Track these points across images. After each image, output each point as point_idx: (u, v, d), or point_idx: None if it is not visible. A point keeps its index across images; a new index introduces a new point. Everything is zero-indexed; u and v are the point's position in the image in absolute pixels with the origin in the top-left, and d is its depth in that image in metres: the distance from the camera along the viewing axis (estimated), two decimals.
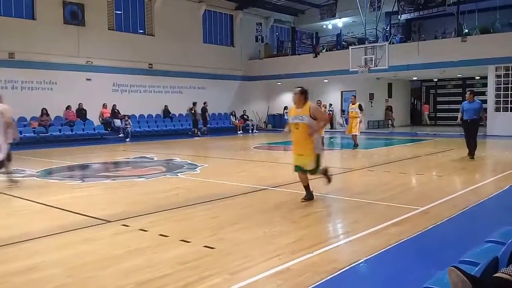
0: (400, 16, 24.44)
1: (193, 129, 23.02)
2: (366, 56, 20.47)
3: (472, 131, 11.23)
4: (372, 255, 4.11)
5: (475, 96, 11.54)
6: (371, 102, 26.15)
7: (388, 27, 25.25)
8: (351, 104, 15.20)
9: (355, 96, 14.85)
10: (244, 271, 3.78)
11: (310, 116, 6.32)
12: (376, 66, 20.19)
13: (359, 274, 3.86)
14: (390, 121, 27.69)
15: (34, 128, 18.22)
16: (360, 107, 14.99)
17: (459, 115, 11.53)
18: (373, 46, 20.74)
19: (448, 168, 10.12)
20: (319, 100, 15.13)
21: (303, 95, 6.54)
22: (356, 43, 24.26)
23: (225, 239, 4.75)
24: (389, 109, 27.72)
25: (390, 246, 4.36)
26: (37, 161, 12.37)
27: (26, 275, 3.77)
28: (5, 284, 3.57)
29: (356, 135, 14.83)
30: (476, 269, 2.08)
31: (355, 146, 14.73)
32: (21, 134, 17.54)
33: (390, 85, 27.82)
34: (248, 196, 7.15)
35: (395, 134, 22.83)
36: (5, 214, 6.10)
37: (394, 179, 8.75)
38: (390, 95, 27.98)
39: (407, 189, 7.94)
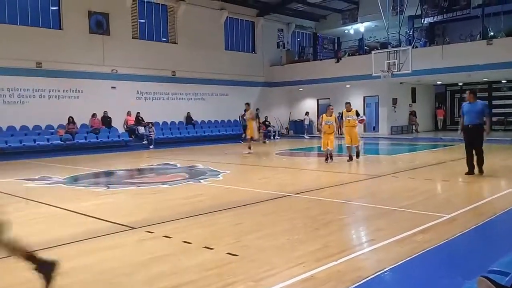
0: (424, 20, 24.09)
1: (244, 135, 23.25)
2: (389, 61, 20.28)
3: (475, 139, 9.00)
4: (397, 264, 4.05)
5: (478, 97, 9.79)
6: (395, 107, 25.85)
7: (411, 31, 24.93)
8: (345, 111, 12.78)
9: (349, 103, 12.83)
10: (268, 279, 3.78)
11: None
12: (399, 70, 19.97)
13: (384, 283, 3.81)
14: (414, 126, 27.29)
15: (61, 135, 18.65)
16: (357, 113, 12.89)
17: (460, 120, 9.59)
18: (396, 50, 20.53)
19: (475, 174, 9.90)
20: (331, 106, 13.59)
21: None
22: (379, 48, 24.06)
23: (248, 246, 4.75)
24: (413, 114, 27.33)
25: (415, 255, 4.29)
26: (63, 168, 12.64)
27: (57, 280, 3.84)
28: None
29: (358, 145, 13.19)
30: (507, 279, 2.03)
31: (358, 155, 13.03)
32: (48, 141, 18.07)
33: (413, 90, 27.44)
34: (271, 203, 7.14)
35: (419, 139, 22.48)
36: (34, 220, 6.25)
37: (419, 185, 8.61)
38: (413, 100, 27.58)
39: (433, 196, 7.80)
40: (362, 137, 24.19)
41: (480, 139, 9.04)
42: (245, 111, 17.18)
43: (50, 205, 7.20)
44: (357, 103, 26.42)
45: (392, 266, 3.98)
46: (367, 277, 3.73)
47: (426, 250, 4.43)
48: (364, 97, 26.51)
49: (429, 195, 7.68)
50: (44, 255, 4.57)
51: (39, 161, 14.62)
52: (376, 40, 27.90)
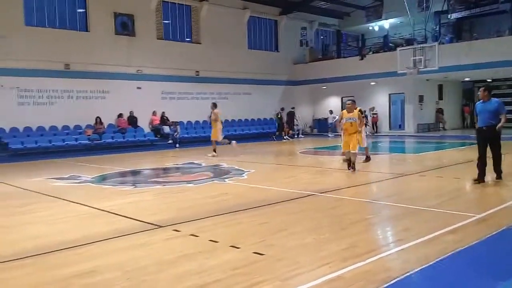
0: (450, 15, 23.63)
1: (277, 133, 24.03)
2: (415, 57, 19.95)
3: (491, 141, 8.03)
4: (427, 264, 3.98)
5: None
6: (421, 105, 25.39)
7: (438, 27, 24.45)
8: (345, 112, 10.73)
9: (353, 101, 10.86)
10: (294, 278, 3.77)
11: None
12: (426, 67, 19.64)
13: (414, 283, 3.75)
14: (441, 124, 26.76)
15: (89, 135, 19.04)
16: (360, 113, 10.97)
17: (475, 120, 8.58)
18: (422, 47, 20.20)
19: (505, 172, 9.63)
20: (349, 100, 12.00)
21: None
22: (404, 44, 23.66)
23: (274, 245, 4.75)
24: (439, 111, 26.79)
25: (446, 255, 4.21)
26: (91, 167, 12.90)
27: (85, 278, 3.93)
28: (69, 287, 3.75)
29: (367, 148, 12.11)
30: None
31: (367, 158, 11.95)
32: (76, 141, 18.47)
33: (440, 87, 26.89)
34: (296, 202, 7.12)
35: (447, 137, 22.03)
36: (64, 219, 6.40)
37: (448, 184, 8.44)
38: (440, 97, 27.04)
39: (462, 195, 7.64)
40: (387, 135, 24.13)
41: (497, 142, 8.07)
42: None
43: (79, 204, 7.36)
44: (383, 101, 26.17)
45: (422, 267, 3.92)
46: (396, 278, 3.68)
47: (456, 250, 4.35)
48: (390, 95, 26.16)
49: (457, 194, 7.52)
50: (76, 252, 4.71)
51: (68, 160, 14.97)
52: (401, 37, 27.46)
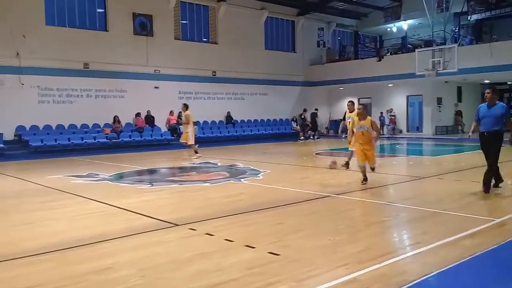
0: (470, 17, 23.27)
1: (300, 134, 24.44)
2: (433, 59, 19.71)
3: (491, 148, 7.35)
4: (444, 268, 3.93)
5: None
6: (439, 107, 25.08)
7: (457, 28, 24.11)
8: (356, 119, 9.07)
9: (352, 102, 10.65)
10: (310, 279, 3.77)
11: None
12: (445, 69, 19.38)
13: (430, 287, 3.71)
14: (460, 126, 26.37)
15: (107, 134, 19.29)
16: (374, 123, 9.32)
17: (472, 124, 7.92)
18: (441, 48, 19.94)
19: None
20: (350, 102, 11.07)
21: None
22: (423, 46, 23.40)
23: (290, 246, 4.75)
24: (458, 113, 26.41)
25: (464, 260, 4.15)
26: (109, 165, 13.06)
27: (102, 274, 3.99)
28: (85, 283, 3.81)
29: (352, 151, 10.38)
30: None
31: (346, 163, 10.92)
32: (95, 139, 18.72)
33: (459, 89, 26.50)
34: (311, 203, 7.10)
35: (466, 140, 21.68)
36: (83, 216, 6.49)
37: (466, 187, 8.31)
38: (459, 99, 26.65)
39: (481, 199, 7.50)
40: (405, 137, 23.88)
41: (496, 150, 7.29)
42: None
43: (97, 201, 7.46)
44: (400, 103, 25.91)
45: (439, 271, 3.87)
46: (413, 281, 3.65)
47: (475, 255, 4.28)
48: (408, 96, 25.90)
49: (476, 198, 7.40)
50: (93, 249, 4.78)
51: (86, 158, 15.18)
52: (420, 38, 27.16)
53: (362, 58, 27.65)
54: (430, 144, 20.53)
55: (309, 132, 24.72)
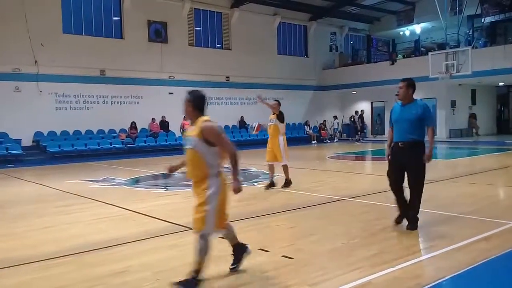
0: (484, 19, 23.07)
1: (358, 136, 24.89)
2: (447, 62, 19.59)
3: (409, 166, 5.37)
4: (459, 272, 3.93)
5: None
6: (453, 110, 24.84)
7: (471, 31, 23.90)
8: (270, 115, 9.22)
9: (278, 102, 9.30)
10: (323, 283, 3.80)
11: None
12: (458, 72, 19.25)
13: None
14: (474, 129, 26.08)
15: (123, 139, 19.55)
16: (280, 117, 9.04)
17: (388, 134, 5.83)
18: (455, 51, 19.82)
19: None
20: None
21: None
22: (436, 49, 23.25)
23: (303, 249, 4.78)
24: (472, 116, 26.13)
25: (478, 263, 4.14)
26: (125, 170, 13.24)
27: (119, 277, 4.08)
28: (102, 286, 3.90)
29: (285, 164, 8.98)
30: None
31: (287, 183, 9.05)
32: (111, 145, 18.96)
33: (473, 92, 26.23)
34: (325, 207, 7.12)
35: (480, 143, 21.45)
36: (99, 220, 6.62)
37: (481, 191, 8.26)
38: (474, 102, 26.37)
39: (496, 202, 7.46)
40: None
41: (418, 168, 5.34)
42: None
43: (113, 205, 7.59)
44: None
45: (453, 274, 3.88)
46: (427, 285, 3.66)
47: (490, 258, 4.27)
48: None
49: (491, 201, 7.35)
50: (110, 252, 4.87)
51: (103, 163, 15.40)
52: (433, 41, 26.98)
53: (375, 62, 27.57)
54: (444, 147, 20.35)
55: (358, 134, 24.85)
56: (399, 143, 5.40)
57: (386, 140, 5.89)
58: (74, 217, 6.87)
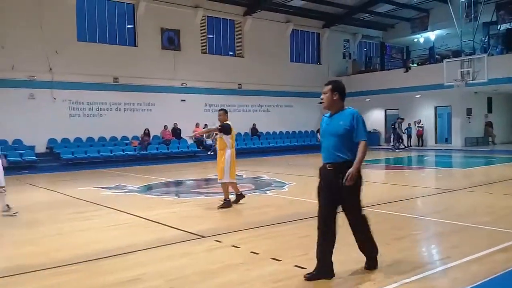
0: (500, 26, 22.80)
1: (394, 143, 24.11)
2: (462, 70, 19.41)
3: (342, 195, 4.13)
4: (475, 284, 3.83)
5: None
6: (469, 118, 24.53)
7: (486, 38, 23.64)
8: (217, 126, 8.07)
9: (224, 110, 8.21)
10: None
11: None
12: (474, 79, 19.03)
13: None
14: (490, 137, 25.71)
15: (135, 146, 19.67)
16: (224, 128, 7.86)
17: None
18: (470, 58, 19.60)
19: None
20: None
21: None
22: (451, 56, 23.04)
23: (316, 259, 4.70)
24: (489, 125, 25.77)
25: (495, 275, 4.03)
26: (137, 177, 13.29)
27: (130, 285, 4.05)
28: None
29: (231, 182, 7.96)
30: None
31: (225, 203, 7.85)
32: (123, 152, 19.07)
33: (490, 99, 25.89)
34: (338, 216, 7.02)
35: (497, 152, 21.11)
36: (111, 227, 6.62)
37: (498, 201, 8.09)
38: (490, 110, 26.01)
39: None
40: (433, 149, 23.38)
41: (353, 198, 4.23)
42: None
43: (125, 213, 7.60)
44: (428, 114, 25.48)
45: (470, 286, 3.77)
46: None
47: (507, 270, 4.16)
48: (436, 107, 25.46)
49: (508, 212, 7.18)
50: (122, 260, 4.86)
51: (115, 170, 15.49)
52: (448, 49, 26.76)
53: (389, 69, 27.41)
54: (459, 156, 20.07)
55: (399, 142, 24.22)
56: (327, 165, 4.17)
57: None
58: (86, 224, 6.88)
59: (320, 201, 4.22)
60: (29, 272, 4.50)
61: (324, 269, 4.06)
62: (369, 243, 4.29)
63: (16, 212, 7.48)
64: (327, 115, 4.33)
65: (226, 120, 7.99)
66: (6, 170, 7.87)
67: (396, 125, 23.96)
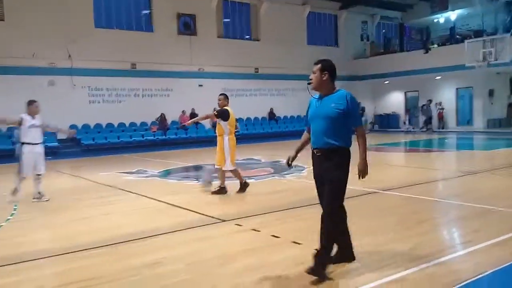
0: None
1: (424, 126, 24.16)
2: (484, 50, 18.96)
3: (325, 182, 3.89)
4: (498, 268, 3.80)
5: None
6: (491, 99, 23.99)
7: (509, 17, 22.94)
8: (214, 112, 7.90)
9: (225, 95, 7.97)
10: (357, 277, 3.75)
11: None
12: (496, 60, 18.56)
13: (483, 287, 3.60)
14: None
15: (154, 131, 19.86)
16: (221, 114, 7.64)
17: (302, 138, 4.38)
18: (492, 38, 19.08)
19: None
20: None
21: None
22: (472, 36, 22.46)
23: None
24: None
25: None
26: (157, 162, 13.45)
27: (153, 268, 4.13)
28: (138, 276, 3.97)
29: (233, 170, 7.82)
30: None
31: (220, 189, 7.81)
32: (142, 137, 19.28)
33: None
34: (358, 199, 7.01)
35: None
36: (134, 211, 6.75)
37: None
38: None
39: None
40: (455, 131, 23.01)
41: (333, 185, 3.87)
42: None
43: (147, 197, 7.72)
44: (449, 95, 25.02)
45: (492, 271, 3.75)
46: (465, 281, 3.55)
47: None
48: (457, 89, 24.97)
49: None
50: (144, 243, 4.95)
51: (135, 155, 15.70)
52: (469, 29, 26.08)
53: (408, 51, 26.90)
54: (481, 138, 19.73)
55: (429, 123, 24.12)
56: (315, 151, 3.93)
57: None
58: (109, 208, 7.02)
59: (317, 189, 4.06)
60: (56, 255, 4.63)
61: (319, 259, 3.72)
62: (329, 235, 3.85)
63: (48, 199, 7.63)
64: (316, 96, 4.00)
65: (226, 105, 7.76)
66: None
67: (425, 107, 23.68)
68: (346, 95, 3.83)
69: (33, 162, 7.45)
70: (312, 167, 4.09)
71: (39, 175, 7.59)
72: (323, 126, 3.82)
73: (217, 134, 7.84)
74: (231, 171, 7.79)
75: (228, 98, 7.95)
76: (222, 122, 7.63)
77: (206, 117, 8.45)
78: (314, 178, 4.05)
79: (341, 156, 3.80)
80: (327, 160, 3.82)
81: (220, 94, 8.05)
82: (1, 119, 8.42)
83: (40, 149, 7.62)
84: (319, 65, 3.94)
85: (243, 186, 7.90)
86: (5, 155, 13.59)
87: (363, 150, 3.84)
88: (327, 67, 3.94)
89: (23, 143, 7.42)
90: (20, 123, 7.43)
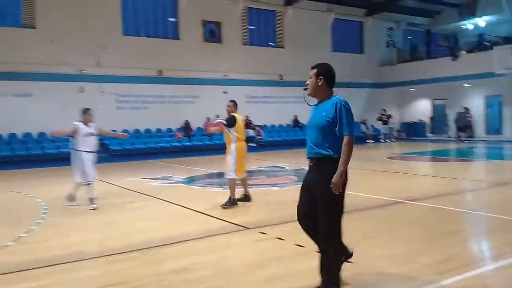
0: None
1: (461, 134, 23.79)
2: None
3: (316, 196, 3.71)
4: None
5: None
6: None
7: None
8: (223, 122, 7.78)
9: (234, 102, 7.88)
10: None
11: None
12: None
13: None
14: None
15: (179, 138, 20.09)
16: (227, 121, 7.55)
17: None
18: None
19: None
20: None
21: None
22: (502, 43, 21.97)
23: (361, 253, 4.65)
24: None
25: None
26: (182, 168, 13.59)
27: (181, 274, 4.18)
28: (166, 282, 4.03)
29: (239, 179, 7.64)
30: None
31: (228, 201, 7.35)
32: (168, 143, 19.54)
33: None
34: (384, 209, 6.94)
35: None
36: (161, 217, 6.84)
37: None
38: None
39: None
40: (483, 140, 22.44)
41: (330, 202, 3.66)
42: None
43: (173, 203, 7.81)
44: (477, 103, 24.49)
45: None
46: None
47: None
48: (486, 97, 24.40)
49: None
50: (172, 250, 5.00)
51: (161, 161, 15.90)
52: (499, 35, 25.51)
53: (435, 58, 26.49)
54: (511, 148, 19.21)
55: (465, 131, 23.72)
56: (308, 160, 3.75)
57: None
58: (137, 214, 7.14)
59: (300, 198, 3.93)
60: (87, 259, 4.73)
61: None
62: (332, 256, 3.67)
63: (78, 204, 7.73)
64: (314, 105, 3.82)
65: (234, 112, 7.58)
66: (67, 162, 8.01)
67: (462, 115, 23.23)
68: (336, 103, 3.62)
69: (88, 169, 7.49)
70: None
71: (90, 182, 7.59)
72: (314, 136, 3.65)
73: (226, 142, 7.69)
74: (238, 179, 7.52)
75: (237, 105, 7.78)
76: (228, 130, 7.50)
77: (221, 129, 7.83)
78: (301, 186, 3.87)
79: (335, 166, 3.53)
80: (318, 171, 3.63)
81: (230, 101, 7.91)
82: (58, 132, 8.69)
83: (94, 157, 7.73)
84: (315, 70, 3.79)
85: (244, 198, 7.67)
86: (51, 159, 14.69)
87: (342, 161, 3.52)
88: (323, 72, 3.77)
89: (78, 150, 7.50)
90: (74, 132, 7.55)
